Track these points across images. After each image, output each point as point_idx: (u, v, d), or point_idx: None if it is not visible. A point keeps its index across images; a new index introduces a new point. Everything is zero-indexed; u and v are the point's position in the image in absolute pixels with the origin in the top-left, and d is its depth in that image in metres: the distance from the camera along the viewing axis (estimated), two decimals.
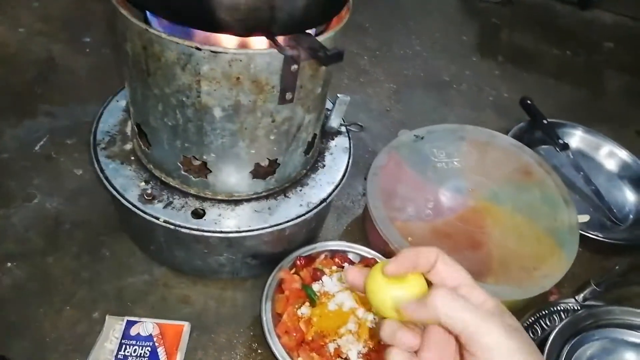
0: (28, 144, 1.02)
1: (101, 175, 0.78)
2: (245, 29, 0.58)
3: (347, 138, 0.94)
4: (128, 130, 0.86)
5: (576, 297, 0.89)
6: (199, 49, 0.59)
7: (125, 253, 0.89)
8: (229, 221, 0.77)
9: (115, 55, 1.26)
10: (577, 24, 1.88)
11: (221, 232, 0.75)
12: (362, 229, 1.00)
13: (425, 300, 0.39)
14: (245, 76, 0.62)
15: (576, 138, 1.26)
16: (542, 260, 0.87)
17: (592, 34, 1.84)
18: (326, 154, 0.90)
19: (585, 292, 0.88)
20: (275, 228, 0.78)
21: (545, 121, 1.24)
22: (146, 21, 0.64)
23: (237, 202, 0.79)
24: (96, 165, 0.79)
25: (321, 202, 0.82)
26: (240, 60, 0.60)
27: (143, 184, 0.79)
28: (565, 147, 1.19)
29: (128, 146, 0.83)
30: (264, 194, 0.81)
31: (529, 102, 1.27)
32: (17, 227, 0.89)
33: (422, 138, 1.02)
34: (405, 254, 0.42)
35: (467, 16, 1.77)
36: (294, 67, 0.62)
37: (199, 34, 0.61)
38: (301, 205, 0.81)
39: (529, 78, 1.52)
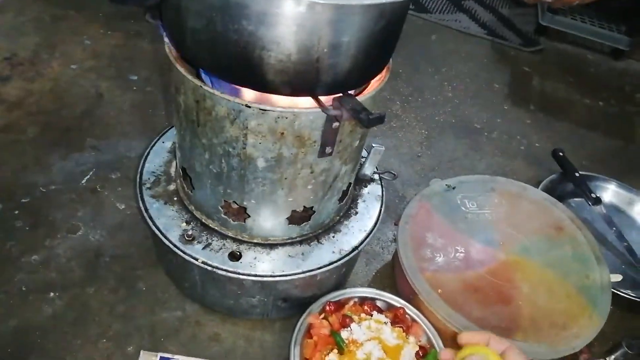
0: (75, 177, 1.07)
1: (145, 214, 0.82)
2: (291, 90, 0.62)
3: (380, 186, 0.96)
4: (172, 171, 0.90)
5: (607, 359, 0.87)
6: (249, 107, 0.62)
7: (161, 288, 0.92)
8: (263, 265, 0.79)
9: (159, 93, 1.33)
10: (609, 73, 1.89)
11: (256, 275, 0.78)
12: (391, 276, 1.01)
13: None
14: (289, 132, 0.65)
15: (609, 192, 1.25)
16: (573, 318, 0.86)
17: (625, 84, 1.84)
18: (359, 201, 0.92)
19: (617, 353, 0.87)
20: (308, 274, 0.80)
21: (577, 174, 1.24)
22: (198, 75, 0.68)
23: (272, 246, 0.82)
24: (141, 204, 0.83)
25: (353, 250, 0.84)
26: (286, 118, 0.63)
27: (184, 224, 0.82)
28: (598, 201, 1.19)
29: (172, 187, 0.87)
30: (298, 239, 0.83)
31: (561, 154, 1.27)
32: (61, 258, 0.93)
33: (454, 188, 1.04)
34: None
35: (498, 63, 1.80)
36: (336, 124, 0.66)
37: (248, 91, 0.65)
38: (333, 252, 0.83)
39: (560, 127, 1.53)
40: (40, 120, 1.18)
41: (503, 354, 0.55)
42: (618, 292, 0.98)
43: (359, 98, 0.65)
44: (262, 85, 0.61)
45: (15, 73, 1.30)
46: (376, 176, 0.97)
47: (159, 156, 0.93)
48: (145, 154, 0.92)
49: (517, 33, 1.98)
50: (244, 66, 0.59)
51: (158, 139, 0.95)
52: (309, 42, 0.56)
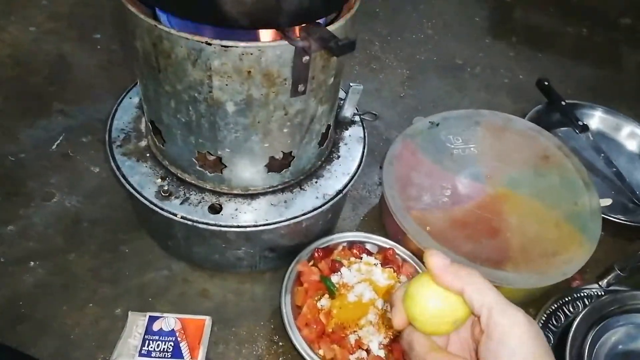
0: (45, 144, 1.03)
1: (117, 172, 0.79)
2: (252, 22, 0.57)
3: (362, 127, 0.93)
4: (142, 127, 0.86)
5: (600, 283, 0.87)
6: (209, 44, 0.58)
7: (145, 250, 0.90)
8: (246, 215, 0.77)
9: (125, 51, 1.26)
10: (591, 0, 1.83)
11: (238, 226, 0.75)
12: (379, 219, 1.00)
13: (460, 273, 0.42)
14: (256, 70, 0.61)
15: (596, 119, 1.23)
16: (563, 246, 0.85)
17: (609, 9, 1.79)
18: (341, 144, 0.89)
19: (609, 277, 0.87)
20: (292, 221, 0.77)
21: (563, 102, 1.21)
22: (155, 18, 0.64)
23: (253, 196, 0.79)
24: (112, 163, 0.80)
25: (337, 194, 0.82)
26: (251, 54, 0.59)
27: (159, 180, 0.79)
28: (585, 128, 1.17)
29: (143, 143, 0.83)
30: (279, 187, 0.81)
31: (546, 83, 1.24)
32: (38, 226, 0.90)
33: (438, 125, 1.01)
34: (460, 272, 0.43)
35: None
36: (306, 58, 0.61)
37: (208, 29, 0.60)
38: (317, 197, 0.81)
39: (544, 59, 1.49)
40: (2, 89, 1.12)
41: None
42: (608, 217, 0.97)
43: (329, 28, 0.61)
44: (221, 18, 0.56)
45: None
46: (357, 118, 0.94)
47: (127, 113, 0.88)
48: (113, 111, 0.88)
49: None
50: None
51: (125, 95, 0.91)
52: None
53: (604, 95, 1.35)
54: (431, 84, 1.33)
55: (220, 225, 0.75)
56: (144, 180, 0.78)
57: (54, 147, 1.02)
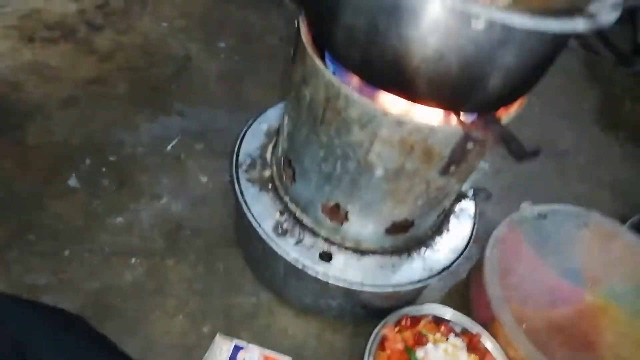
0: (161, 142, 1.07)
1: (241, 198, 0.80)
2: (437, 102, 0.58)
3: (474, 204, 0.92)
4: (268, 156, 0.88)
5: None
6: (385, 115, 0.59)
7: (238, 270, 0.91)
8: (354, 272, 0.77)
9: (246, 64, 1.30)
10: None
11: (345, 281, 0.76)
12: (465, 295, 0.98)
13: None
14: (419, 145, 0.62)
15: None
16: None
17: None
18: (452, 217, 0.89)
19: None
20: (397, 289, 0.77)
21: None
22: (324, 63, 0.65)
23: (363, 252, 0.80)
24: (237, 187, 0.81)
25: (443, 270, 0.81)
26: (421, 132, 0.60)
27: (278, 215, 0.80)
28: None
29: (267, 173, 0.85)
30: (389, 249, 0.81)
31: None
32: (144, 224, 0.93)
33: (545, 217, 0.99)
34: None
35: (589, 81, 1.70)
36: (470, 145, 0.62)
37: (382, 95, 0.61)
38: (424, 268, 0.80)
39: None
40: (129, 77, 1.18)
41: None
42: None
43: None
44: (408, 93, 0.57)
45: (107, 23, 1.29)
46: (470, 192, 0.93)
47: (255, 138, 0.90)
48: (242, 134, 0.90)
49: (612, 50, 1.86)
50: (397, 73, 0.55)
51: (255, 120, 0.93)
52: (475, 60, 0.51)
53: None
54: (532, 165, 1.31)
55: (329, 276, 0.75)
56: (264, 212, 0.80)
57: (169, 147, 1.06)
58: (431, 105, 0.57)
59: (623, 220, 1.17)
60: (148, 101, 1.13)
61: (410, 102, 0.58)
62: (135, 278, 0.86)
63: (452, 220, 0.89)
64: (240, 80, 1.25)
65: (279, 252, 0.76)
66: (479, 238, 0.93)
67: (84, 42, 1.21)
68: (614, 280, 0.93)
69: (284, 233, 0.78)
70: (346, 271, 0.77)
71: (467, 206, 0.92)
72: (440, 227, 0.87)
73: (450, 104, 0.57)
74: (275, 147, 0.87)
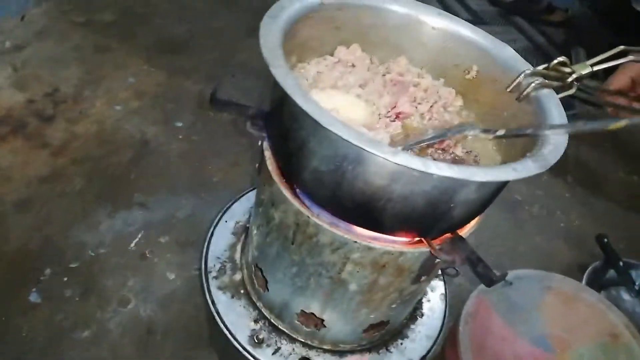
0: (124, 239, 1.04)
1: (213, 309, 0.79)
2: (404, 233, 0.60)
3: (443, 283, 0.94)
4: (237, 257, 0.87)
5: None
6: (355, 242, 0.60)
7: None
8: None
9: (205, 143, 1.29)
10: (639, 142, 1.89)
11: None
12: None
13: None
14: (390, 265, 0.63)
15: None
16: None
17: None
18: (424, 300, 0.90)
19: None
20: None
21: (621, 263, 1.24)
22: (295, 193, 0.66)
23: (341, 353, 0.80)
24: (208, 298, 0.80)
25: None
26: (392, 254, 0.61)
27: (252, 323, 0.80)
28: None
29: (237, 276, 0.85)
30: (367, 346, 0.81)
31: (605, 240, 1.27)
32: (112, 334, 0.90)
33: (511, 284, 1.02)
34: None
35: None
36: (437, 260, 0.64)
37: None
38: None
39: (597, 204, 1.53)
40: (86, 169, 1.15)
41: None
42: None
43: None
44: (377, 228, 0.59)
45: (58, 112, 1.26)
46: (439, 271, 0.96)
47: (222, 237, 0.90)
48: (209, 235, 0.89)
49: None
50: (364, 212, 0.56)
51: (220, 218, 0.93)
52: (438, 200, 0.54)
53: None
54: (491, 220, 1.36)
55: None
56: (237, 322, 0.79)
57: (132, 245, 1.04)
58: (398, 236, 0.59)
59: (582, 269, 1.23)
60: (107, 195, 1.11)
61: (378, 233, 0.60)
62: None
63: (425, 304, 0.90)
64: (201, 160, 1.25)
65: None
66: (451, 307, 0.95)
67: (34, 135, 1.18)
68: (581, 343, 0.97)
69: (260, 342, 0.77)
70: None
71: (437, 285, 0.94)
72: (414, 313, 0.88)
73: (416, 234, 0.59)
74: (244, 248, 0.87)
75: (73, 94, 1.31)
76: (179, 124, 1.32)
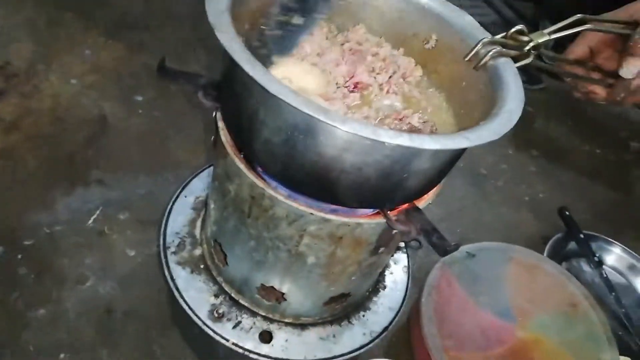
0: (81, 217, 1.01)
1: (172, 284, 0.78)
2: (359, 205, 0.59)
3: (406, 256, 0.95)
4: (197, 232, 0.86)
5: None
6: (312, 214, 0.59)
7: (178, 351, 0.88)
8: (296, 348, 0.77)
9: (166, 120, 1.26)
10: (605, 117, 1.92)
11: None
12: (406, 342, 1.00)
13: None
14: (348, 237, 0.62)
15: (612, 255, 1.28)
16: None
17: (619, 129, 1.88)
18: (387, 273, 0.91)
19: None
20: (340, 359, 0.78)
21: (581, 235, 1.26)
22: (252, 165, 0.64)
23: (303, 326, 0.80)
24: (167, 273, 0.79)
25: (383, 330, 0.83)
26: (348, 225, 0.61)
27: (213, 298, 0.78)
28: (599, 264, 1.22)
29: (197, 252, 0.83)
30: (329, 318, 0.81)
31: (567, 212, 1.29)
32: (70, 314, 0.88)
33: (474, 256, 1.03)
34: None
35: None
36: (395, 232, 0.63)
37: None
38: (364, 334, 0.82)
39: (563, 176, 1.55)
40: (40, 146, 1.10)
41: None
42: None
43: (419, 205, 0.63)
44: (331, 199, 0.58)
45: (10, 86, 1.20)
46: (402, 244, 0.96)
47: (181, 213, 0.88)
48: (167, 211, 0.87)
49: (520, 69, 1.98)
50: (317, 183, 0.55)
51: (180, 193, 0.90)
52: (391, 170, 0.53)
53: (617, 220, 1.41)
54: (457, 193, 1.37)
55: (271, 358, 0.75)
56: (198, 297, 0.78)
57: (90, 222, 1.01)
58: (353, 207, 0.58)
59: (545, 240, 1.25)
60: (63, 173, 1.07)
61: (334, 205, 0.59)
62: None
63: (388, 276, 0.90)
64: (162, 137, 1.21)
65: (217, 338, 0.75)
66: (416, 279, 0.96)
67: None
68: (541, 312, 0.99)
69: (221, 317, 0.77)
70: (288, 349, 0.76)
71: (400, 258, 0.94)
72: (376, 285, 0.88)
73: (371, 205, 0.59)
74: (203, 223, 0.85)
75: (25, 68, 1.25)
76: (139, 98, 1.28)
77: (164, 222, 0.85)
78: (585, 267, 1.25)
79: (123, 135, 1.19)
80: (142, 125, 1.23)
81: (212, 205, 0.75)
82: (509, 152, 1.57)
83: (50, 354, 0.83)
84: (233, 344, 0.74)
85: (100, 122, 1.20)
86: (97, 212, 1.03)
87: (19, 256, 0.92)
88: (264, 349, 0.75)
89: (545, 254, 1.16)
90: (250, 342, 0.75)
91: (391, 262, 0.92)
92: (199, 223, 0.87)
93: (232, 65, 0.53)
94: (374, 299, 0.87)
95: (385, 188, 0.55)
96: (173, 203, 0.88)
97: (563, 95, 1.93)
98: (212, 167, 0.94)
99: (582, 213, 1.39)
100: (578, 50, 0.77)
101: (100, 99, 1.25)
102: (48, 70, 1.27)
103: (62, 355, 0.83)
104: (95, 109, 1.23)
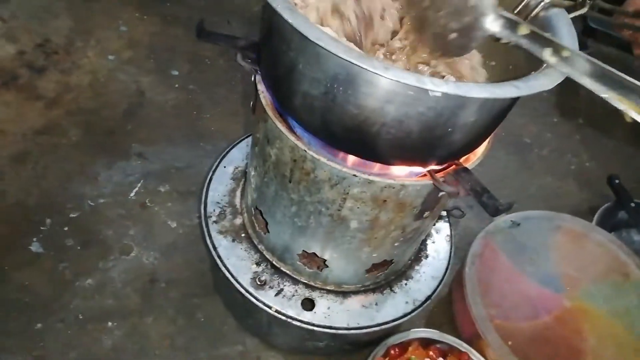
0: (123, 189, 1.02)
1: (214, 253, 0.78)
2: (402, 161, 0.57)
3: (448, 225, 0.92)
4: (237, 201, 0.85)
5: None
6: (355, 176, 0.58)
7: (219, 318, 0.89)
8: (338, 316, 0.76)
9: (202, 92, 1.26)
10: None
11: (331, 327, 0.75)
12: (448, 312, 0.99)
13: None
14: (392, 199, 0.61)
15: None
16: None
17: None
18: (428, 242, 0.89)
19: None
20: (383, 327, 0.77)
21: (632, 204, 1.20)
22: (292, 129, 0.63)
23: (345, 294, 0.79)
24: (209, 242, 0.79)
25: (426, 299, 0.81)
26: (393, 188, 0.59)
27: (254, 266, 0.78)
28: None
29: (238, 220, 0.83)
30: (371, 286, 0.80)
31: (617, 181, 1.24)
32: (116, 282, 0.90)
33: (519, 225, 1.00)
34: None
35: None
36: (442, 194, 0.61)
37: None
38: (407, 302, 0.80)
39: (608, 144, 1.48)
40: (81, 121, 1.12)
41: None
42: None
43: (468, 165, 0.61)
44: (373, 156, 0.56)
45: (50, 63, 1.22)
46: (444, 212, 0.93)
47: (221, 183, 0.87)
48: (207, 181, 0.87)
49: None
50: (358, 138, 0.53)
51: (219, 163, 0.90)
52: (435, 122, 0.50)
53: None
54: (499, 162, 1.33)
55: (314, 325, 0.75)
56: (239, 265, 0.78)
57: (132, 194, 1.02)
58: (396, 164, 0.56)
59: (592, 210, 1.20)
60: (104, 146, 1.09)
61: (377, 163, 0.57)
62: (115, 342, 0.83)
63: (430, 245, 0.88)
64: (198, 110, 1.21)
65: (260, 305, 0.75)
66: (458, 249, 0.94)
67: (27, 87, 1.15)
68: (590, 281, 0.95)
69: (263, 285, 0.76)
70: (331, 317, 0.76)
71: (442, 227, 0.92)
72: (418, 254, 0.86)
73: (415, 162, 0.56)
74: (243, 192, 0.85)
75: (64, 45, 1.27)
76: (175, 73, 1.28)
77: (204, 192, 0.85)
78: (636, 237, 1.19)
79: (161, 109, 1.20)
80: (178, 99, 1.23)
81: (252, 173, 0.75)
82: (553, 120, 1.51)
83: (99, 321, 0.85)
84: (276, 311, 0.74)
85: (138, 96, 1.21)
86: (138, 185, 1.04)
87: (66, 228, 0.95)
88: (307, 316, 0.75)
89: (593, 224, 1.11)
90: (293, 310, 0.75)
91: (433, 232, 0.90)
92: (239, 192, 0.86)
93: (271, 18, 0.51)
94: (416, 267, 0.85)
95: (429, 143, 0.53)
96: (213, 173, 0.88)
97: (609, 60, 1.83)
98: (250, 137, 0.94)
99: (629, 182, 1.33)
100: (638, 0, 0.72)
101: (137, 74, 1.26)
102: (86, 46, 1.29)
103: (109, 323, 0.85)
104: (133, 84, 1.24)
